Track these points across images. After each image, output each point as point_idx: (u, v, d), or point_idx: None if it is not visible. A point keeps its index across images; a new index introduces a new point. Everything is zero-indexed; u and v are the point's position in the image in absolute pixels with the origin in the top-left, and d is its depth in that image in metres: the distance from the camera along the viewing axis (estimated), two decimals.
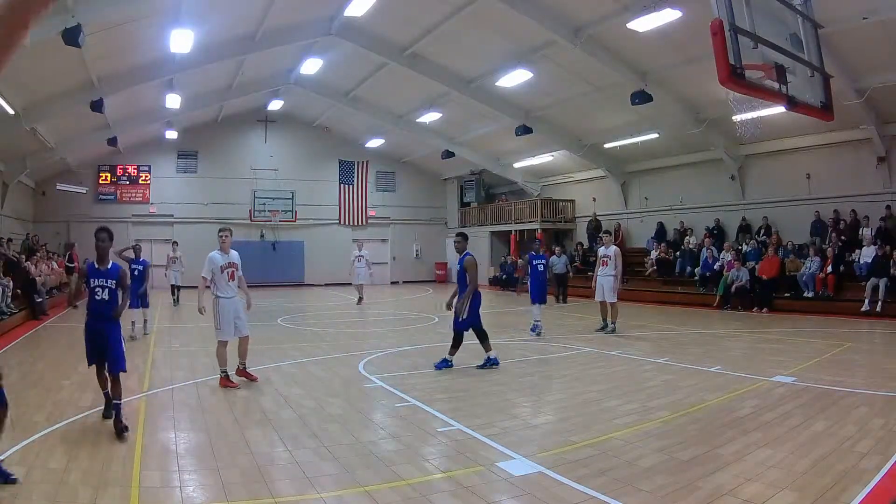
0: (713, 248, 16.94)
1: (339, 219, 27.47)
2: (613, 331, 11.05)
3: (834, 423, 5.09)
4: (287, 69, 20.33)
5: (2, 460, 3.98)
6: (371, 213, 28.10)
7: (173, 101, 17.96)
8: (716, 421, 5.32)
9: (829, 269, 14.06)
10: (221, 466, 4.21)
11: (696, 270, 17.16)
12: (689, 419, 5.41)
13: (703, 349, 9.51)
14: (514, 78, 16.70)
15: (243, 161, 26.24)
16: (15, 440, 4.73)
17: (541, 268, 11.20)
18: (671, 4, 11.49)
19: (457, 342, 7.88)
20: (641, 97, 15.10)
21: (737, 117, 10.87)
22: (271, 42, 16.20)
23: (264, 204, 26.16)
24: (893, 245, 13.34)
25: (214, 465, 4.24)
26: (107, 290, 5.26)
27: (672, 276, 18.16)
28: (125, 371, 5.29)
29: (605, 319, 11.33)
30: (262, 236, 26.30)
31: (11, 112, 14.01)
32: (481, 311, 8.21)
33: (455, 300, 8.08)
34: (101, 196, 24.08)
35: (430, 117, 21.63)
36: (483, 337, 7.96)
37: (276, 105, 24.07)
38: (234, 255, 7.15)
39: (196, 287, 7.33)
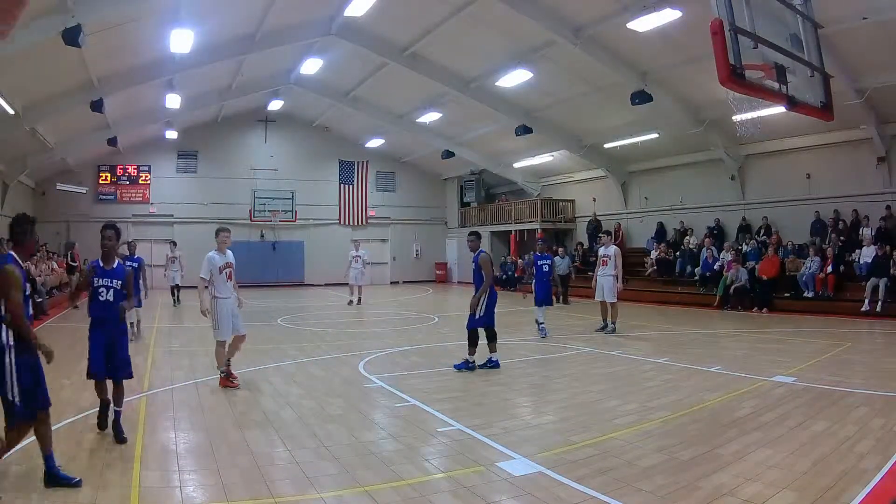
0: (713, 248, 16.94)
1: (339, 219, 27.47)
2: (613, 331, 11.05)
3: (834, 424, 5.09)
4: (287, 69, 20.34)
5: (59, 465, 3.95)
6: (371, 213, 28.09)
7: (173, 101, 17.96)
8: (716, 421, 5.32)
9: (829, 269, 14.06)
10: (221, 466, 4.21)
11: (696, 270, 17.16)
12: (689, 419, 5.41)
13: (703, 349, 9.52)
14: (514, 78, 16.70)
15: (243, 161, 26.24)
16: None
17: (545, 268, 11.01)
18: (671, 4, 11.49)
19: (473, 340, 7.79)
20: (641, 97, 15.11)
21: (737, 117, 10.81)
22: (271, 42, 16.20)
23: (264, 204, 26.17)
24: (893, 245, 13.34)
25: (214, 465, 4.24)
26: (112, 290, 4.92)
27: (672, 276, 18.16)
28: (132, 377, 5.14)
29: (605, 319, 11.32)
30: (262, 236, 26.31)
31: (11, 112, 14.01)
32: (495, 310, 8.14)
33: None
34: (101, 196, 24.08)
35: (430, 117, 21.64)
36: (492, 337, 7.94)
37: (276, 105, 24.07)
38: (230, 254, 7.15)
39: (193, 287, 7.31)
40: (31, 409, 3.80)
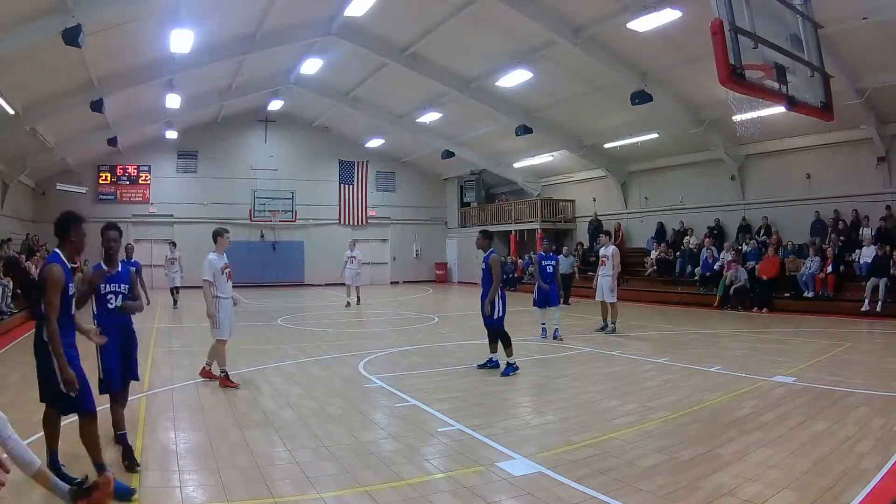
0: (713, 248, 16.94)
1: (339, 219, 27.48)
2: (613, 331, 11.05)
3: (834, 424, 5.09)
4: (287, 69, 20.33)
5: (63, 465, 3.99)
6: (371, 213, 28.10)
7: (173, 101, 17.96)
8: (716, 421, 5.32)
9: (829, 269, 14.06)
10: (221, 466, 4.21)
11: (696, 270, 17.16)
12: (689, 419, 5.41)
13: (703, 349, 9.52)
14: (514, 78, 16.70)
15: (243, 161, 26.25)
16: None
17: (550, 269, 10.62)
18: (671, 4, 11.49)
19: (506, 340, 7.66)
20: (641, 97, 15.11)
21: (737, 117, 10.81)
22: (271, 42, 16.20)
23: (264, 204, 26.17)
24: (893, 245, 13.34)
25: (214, 465, 4.24)
26: (120, 296, 4.56)
27: (672, 276, 18.16)
28: (138, 379, 4.93)
29: (605, 319, 11.33)
30: (262, 236, 26.31)
31: (11, 112, 14.01)
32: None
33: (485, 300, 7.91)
34: (101, 196, 24.08)
35: (430, 117, 21.64)
36: (494, 339, 7.88)
37: (276, 105, 24.08)
38: (224, 255, 7.24)
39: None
40: (91, 401, 3.88)
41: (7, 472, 2.82)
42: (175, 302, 16.51)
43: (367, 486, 3.89)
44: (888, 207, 14.26)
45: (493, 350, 7.89)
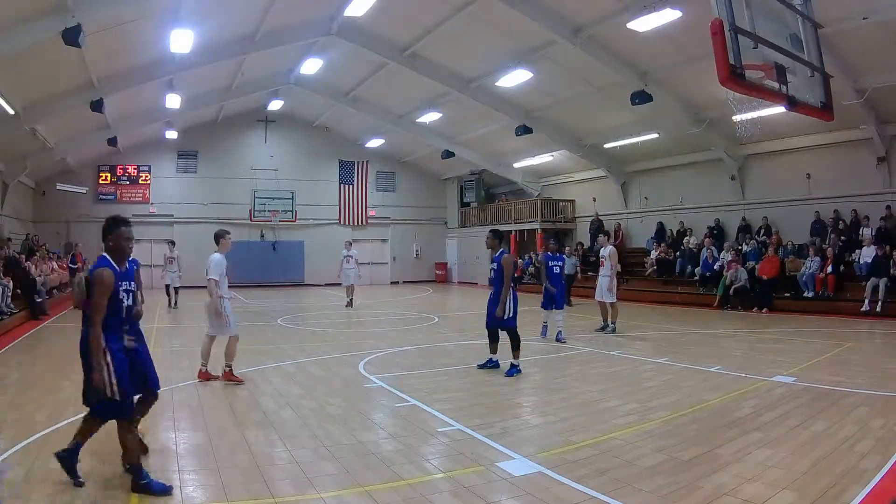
0: (713, 248, 16.94)
1: (339, 219, 27.48)
2: (613, 331, 11.05)
3: (834, 424, 5.09)
4: (287, 69, 20.33)
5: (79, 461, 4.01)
6: (371, 213, 28.11)
7: (173, 101, 17.97)
8: (716, 421, 5.32)
9: (829, 269, 14.06)
10: (221, 466, 4.21)
11: (696, 270, 17.16)
12: (689, 419, 5.41)
13: (703, 349, 9.52)
14: (514, 78, 16.70)
15: (243, 161, 26.25)
16: (15, 440, 4.74)
17: (556, 269, 10.37)
18: (671, 4, 11.49)
19: (515, 342, 7.58)
20: (641, 97, 15.11)
21: (737, 117, 10.86)
22: (271, 42, 16.21)
23: (264, 204, 26.17)
24: (893, 245, 13.34)
25: (214, 465, 4.24)
26: (131, 294, 4.27)
27: (672, 276, 18.16)
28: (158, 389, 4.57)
29: (605, 319, 11.34)
30: (262, 236, 26.31)
31: (11, 112, 14.02)
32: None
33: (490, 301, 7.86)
34: (101, 196, 24.08)
35: (430, 117, 21.64)
36: (496, 339, 7.84)
37: (276, 105, 24.08)
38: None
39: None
40: (131, 403, 3.91)
41: None
42: (173, 302, 16.37)
43: (367, 486, 3.89)
44: (888, 207, 14.26)
45: (494, 350, 7.86)
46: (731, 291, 15.19)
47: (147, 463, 4.28)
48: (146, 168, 24.76)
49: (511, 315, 7.60)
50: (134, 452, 3.90)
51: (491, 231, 8.31)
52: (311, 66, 19.00)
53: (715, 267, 16.35)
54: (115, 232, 4.01)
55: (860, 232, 14.63)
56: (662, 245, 19.11)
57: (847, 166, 15.43)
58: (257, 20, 15.01)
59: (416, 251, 29.52)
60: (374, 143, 26.39)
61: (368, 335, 11.85)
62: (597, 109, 18.21)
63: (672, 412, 5.62)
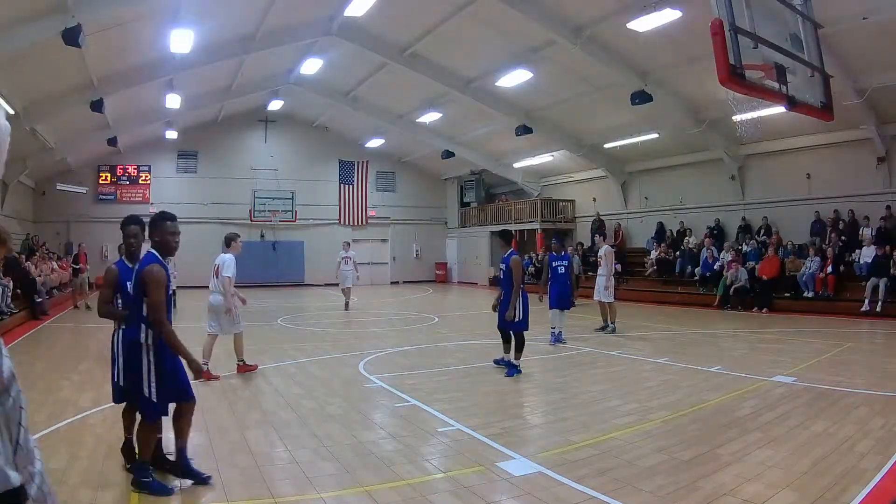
0: (713, 248, 16.94)
1: (339, 219, 27.48)
2: (613, 331, 11.06)
3: (834, 424, 5.08)
4: (287, 69, 20.33)
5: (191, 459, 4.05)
6: (371, 213, 28.11)
7: (173, 101, 17.97)
8: (716, 421, 5.32)
9: (829, 269, 14.06)
10: (221, 466, 4.21)
11: (696, 270, 17.16)
12: (689, 419, 5.41)
13: (703, 349, 9.52)
14: (514, 78, 16.71)
15: (243, 161, 26.24)
16: None
17: (561, 270, 10.10)
18: (671, 4, 11.49)
19: (520, 344, 7.53)
20: (641, 97, 15.11)
21: (737, 117, 10.86)
22: (271, 42, 16.21)
23: (264, 204, 26.17)
24: (893, 245, 13.34)
25: (214, 465, 4.24)
26: None
27: (672, 276, 18.16)
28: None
29: (604, 319, 11.35)
30: (262, 236, 26.31)
31: (11, 112, 13.99)
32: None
33: (499, 302, 7.80)
34: (101, 196, 24.08)
35: (430, 117, 21.64)
36: (509, 339, 7.71)
37: (276, 105, 24.08)
38: None
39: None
40: (165, 406, 3.89)
41: None
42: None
43: (367, 486, 3.89)
44: (888, 207, 14.26)
45: (507, 350, 7.74)
46: (731, 291, 15.19)
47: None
48: (146, 168, 24.76)
49: (522, 318, 7.50)
50: (148, 452, 3.90)
51: (502, 231, 8.29)
52: (311, 66, 19.00)
53: (715, 267, 16.35)
54: (160, 227, 4.01)
55: (860, 232, 14.63)
56: (662, 245, 19.11)
57: (847, 166, 15.43)
58: (257, 20, 15.01)
59: (416, 251, 29.52)
60: (374, 143, 26.39)
61: (368, 335, 11.85)
62: (597, 109, 18.21)
63: (672, 412, 5.62)
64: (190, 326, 12.59)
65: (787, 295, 14.68)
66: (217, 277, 7.50)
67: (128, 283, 4.19)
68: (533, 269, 21.06)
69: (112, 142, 20.34)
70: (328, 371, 7.93)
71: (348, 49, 17.26)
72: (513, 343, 7.58)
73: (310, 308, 17.82)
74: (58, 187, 22.53)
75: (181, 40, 13.54)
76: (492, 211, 26.88)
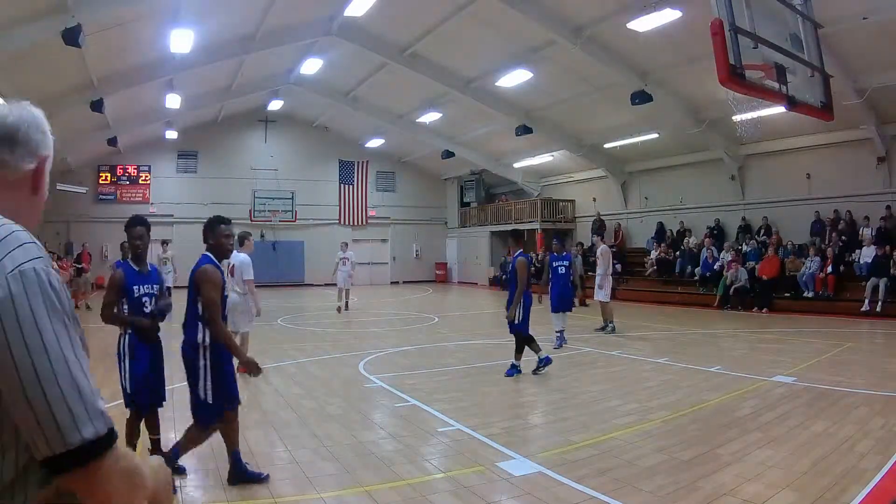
0: (713, 248, 16.94)
1: (339, 219, 27.47)
2: (613, 330, 11.06)
3: (834, 424, 5.09)
4: (287, 69, 20.32)
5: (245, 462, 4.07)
6: (371, 213, 28.10)
7: (173, 101, 17.97)
8: (716, 421, 5.32)
9: (829, 269, 14.07)
10: (221, 466, 4.20)
11: (696, 270, 17.16)
12: (689, 419, 5.41)
13: (703, 349, 9.52)
14: (514, 78, 16.70)
15: (243, 161, 26.24)
16: None
17: (562, 270, 9.93)
18: (671, 4, 11.49)
19: (520, 345, 7.50)
20: (641, 97, 15.11)
21: (737, 117, 10.87)
22: (271, 42, 16.20)
23: (264, 204, 26.17)
24: (893, 245, 13.34)
25: (214, 465, 4.24)
26: (153, 298, 4.22)
27: (672, 276, 18.16)
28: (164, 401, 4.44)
29: (604, 319, 11.37)
30: (262, 236, 26.27)
31: None
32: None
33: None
34: (101, 196, 24.08)
35: (430, 117, 21.64)
36: (530, 339, 7.61)
37: (276, 105, 24.07)
38: None
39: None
40: (221, 408, 3.90)
41: None
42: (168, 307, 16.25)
43: (367, 486, 3.89)
44: (888, 207, 14.26)
45: (537, 349, 7.58)
46: (731, 291, 15.19)
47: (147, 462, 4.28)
48: (146, 168, 24.75)
49: (521, 320, 7.43)
50: (187, 449, 3.93)
51: (512, 231, 8.24)
52: (311, 66, 19.00)
53: (715, 267, 16.35)
54: (215, 230, 4.06)
55: (860, 232, 14.63)
56: (662, 245, 19.11)
57: (847, 166, 15.42)
58: (257, 20, 15.01)
59: (416, 251, 29.52)
60: (374, 143, 26.39)
61: (368, 335, 11.86)
62: (597, 109, 18.21)
63: (672, 412, 5.62)
64: None
65: (787, 295, 14.67)
66: (232, 276, 7.59)
67: (135, 286, 4.11)
68: (533, 269, 21.04)
69: (112, 142, 20.33)
70: (328, 371, 7.93)
71: (348, 49, 17.25)
72: (514, 343, 7.55)
73: (310, 308, 17.81)
74: (58, 187, 22.46)
75: (181, 40, 13.53)
76: (492, 211, 26.86)
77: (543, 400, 6.56)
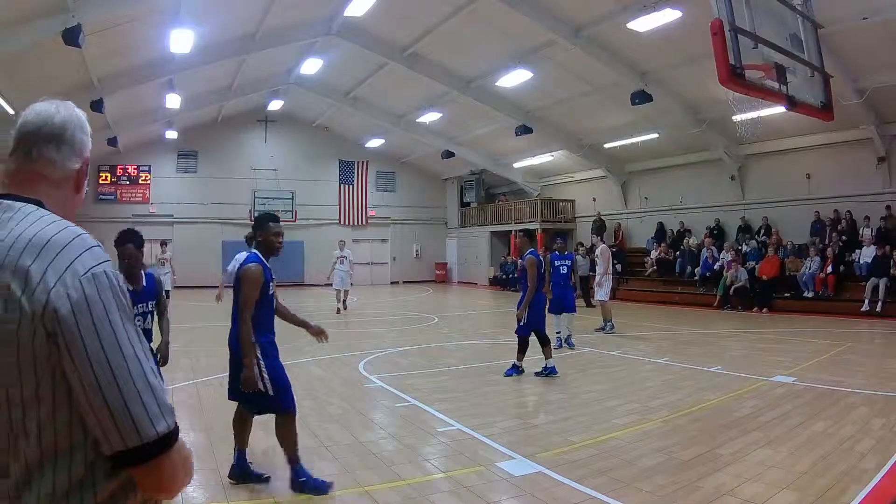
0: (713, 248, 16.94)
1: (339, 219, 27.46)
2: (612, 329, 11.06)
3: (834, 423, 5.09)
4: (287, 69, 20.33)
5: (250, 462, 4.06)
6: (371, 213, 28.10)
7: (173, 101, 17.96)
8: (716, 421, 5.32)
9: (829, 269, 14.07)
10: (221, 466, 4.21)
11: (696, 270, 17.16)
12: (689, 419, 5.41)
13: (703, 349, 9.52)
14: (514, 78, 16.70)
15: (243, 161, 26.23)
16: None
17: (564, 270, 9.61)
18: (671, 4, 11.49)
19: (522, 347, 7.35)
20: (641, 97, 15.10)
21: (737, 117, 10.87)
22: (271, 42, 16.20)
23: (264, 204, 26.09)
24: (893, 245, 13.34)
25: (214, 465, 4.24)
26: (149, 316, 4.11)
27: (672, 276, 18.16)
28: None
29: (604, 319, 11.37)
30: None
31: (11, 112, 14.00)
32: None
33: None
34: (101, 196, 24.05)
35: (430, 117, 21.64)
36: (546, 342, 7.46)
37: (276, 105, 24.06)
38: None
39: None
40: (290, 397, 3.90)
41: None
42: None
43: (367, 486, 3.89)
44: (888, 207, 14.26)
45: (547, 355, 7.45)
46: (731, 291, 15.19)
47: None
48: (146, 168, 24.73)
49: (528, 321, 7.24)
50: (292, 446, 3.88)
51: (522, 231, 8.17)
52: (311, 66, 18.99)
53: (715, 267, 16.35)
54: (264, 228, 4.06)
55: (860, 232, 14.63)
56: (662, 245, 19.11)
57: (847, 166, 15.42)
58: (257, 20, 15.01)
59: (416, 251, 29.51)
60: (374, 143, 26.38)
61: (368, 335, 11.86)
62: (597, 109, 18.21)
63: (672, 412, 5.62)
64: (186, 327, 12.59)
65: (787, 295, 14.68)
66: None
67: (133, 305, 4.01)
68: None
69: (112, 142, 20.33)
70: (328, 371, 7.93)
71: (348, 49, 17.26)
72: (517, 344, 7.52)
73: (309, 308, 17.79)
74: None
75: (181, 40, 13.53)
76: (492, 211, 26.87)
77: (543, 400, 6.56)
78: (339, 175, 27.19)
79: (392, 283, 28.53)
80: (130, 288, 3.90)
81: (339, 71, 19.69)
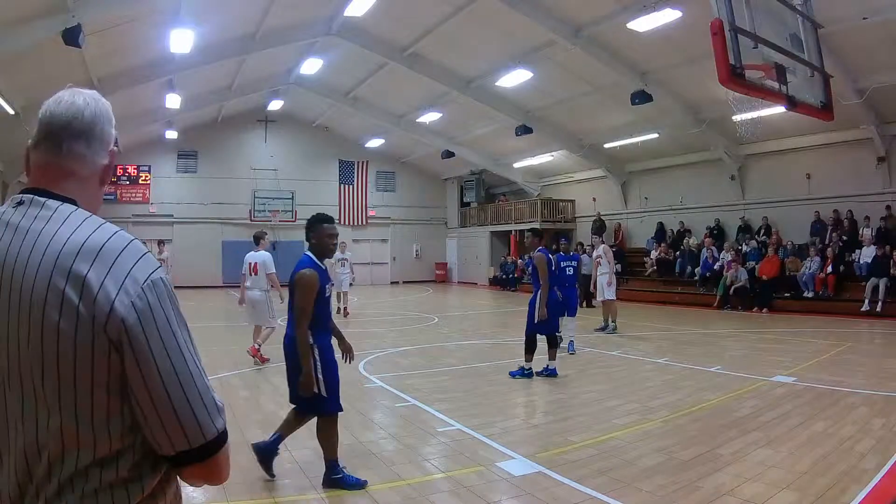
0: (713, 248, 16.94)
1: (339, 219, 27.43)
2: (614, 329, 11.06)
3: (834, 423, 5.09)
4: (287, 69, 20.33)
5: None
6: (371, 213, 28.10)
7: (173, 101, 17.96)
8: (716, 421, 5.32)
9: (829, 269, 14.06)
10: None
11: (696, 270, 17.16)
12: (689, 419, 5.41)
13: (703, 349, 9.52)
14: (514, 78, 16.70)
15: (243, 161, 26.22)
16: None
17: (570, 271, 9.18)
18: (671, 4, 11.49)
19: (530, 347, 7.19)
20: (641, 97, 15.10)
21: (737, 117, 10.88)
22: (271, 42, 16.20)
23: (264, 204, 26.16)
24: (893, 245, 13.34)
25: None
26: None
27: (672, 276, 18.16)
28: None
29: (605, 319, 11.37)
30: None
31: (11, 112, 14.01)
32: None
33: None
34: None
35: (430, 117, 21.64)
36: (554, 344, 7.36)
37: (276, 105, 24.05)
38: None
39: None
40: (338, 399, 3.92)
41: None
42: None
43: (367, 486, 3.89)
44: (888, 207, 14.26)
45: (552, 357, 7.38)
46: (731, 291, 15.19)
47: None
48: (146, 168, 24.72)
49: (538, 320, 7.09)
50: (333, 448, 3.90)
51: (530, 230, 8.11)
52: (311, 66, 18.99)
53: (715, 267, 16.34)
54: (317, 229, 4.03)
55: (860, 232, 14.63)
56: (662, 245, 19.11)
57: (847, 166, 15.42)
58: (257, 20, 15.01)
59: (416, 251, 29.51)
60: (374, 143, 26.38)
61: (368, 335, 11.85)
62: (597, 109, 18.21)
63: (672, 412, 5.62)
64: (193, 328, 12.58)
65: (787, 295, 14.67)
66: (255, 274, 7.83)
67: None
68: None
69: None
70: None
71: (348, 49, 17.25)
72: (524, 344, 7.42)
73: None
74: None
75: (181, 40, 13.52)
76: (492, 211, 26.87)
77: (543, 400, 6.56)
78: (339, 175, 27.19)
79: (392, 283, 28.53)
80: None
81: (339, 71, 19.69)
